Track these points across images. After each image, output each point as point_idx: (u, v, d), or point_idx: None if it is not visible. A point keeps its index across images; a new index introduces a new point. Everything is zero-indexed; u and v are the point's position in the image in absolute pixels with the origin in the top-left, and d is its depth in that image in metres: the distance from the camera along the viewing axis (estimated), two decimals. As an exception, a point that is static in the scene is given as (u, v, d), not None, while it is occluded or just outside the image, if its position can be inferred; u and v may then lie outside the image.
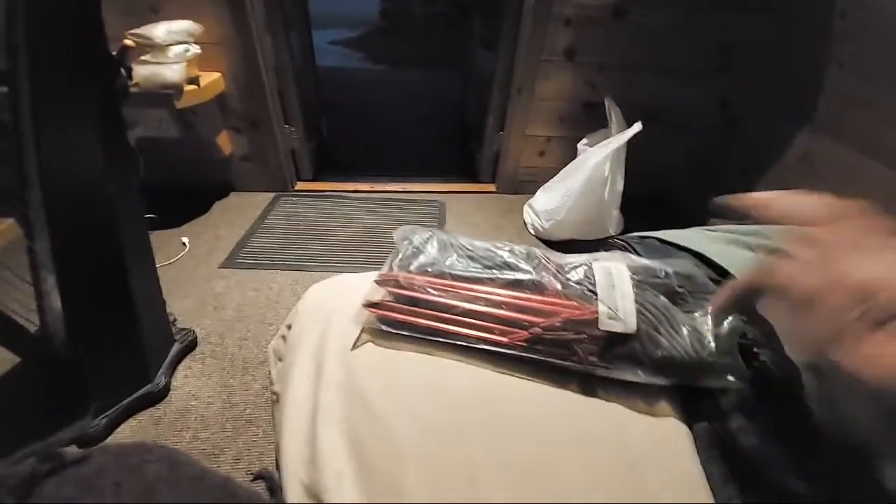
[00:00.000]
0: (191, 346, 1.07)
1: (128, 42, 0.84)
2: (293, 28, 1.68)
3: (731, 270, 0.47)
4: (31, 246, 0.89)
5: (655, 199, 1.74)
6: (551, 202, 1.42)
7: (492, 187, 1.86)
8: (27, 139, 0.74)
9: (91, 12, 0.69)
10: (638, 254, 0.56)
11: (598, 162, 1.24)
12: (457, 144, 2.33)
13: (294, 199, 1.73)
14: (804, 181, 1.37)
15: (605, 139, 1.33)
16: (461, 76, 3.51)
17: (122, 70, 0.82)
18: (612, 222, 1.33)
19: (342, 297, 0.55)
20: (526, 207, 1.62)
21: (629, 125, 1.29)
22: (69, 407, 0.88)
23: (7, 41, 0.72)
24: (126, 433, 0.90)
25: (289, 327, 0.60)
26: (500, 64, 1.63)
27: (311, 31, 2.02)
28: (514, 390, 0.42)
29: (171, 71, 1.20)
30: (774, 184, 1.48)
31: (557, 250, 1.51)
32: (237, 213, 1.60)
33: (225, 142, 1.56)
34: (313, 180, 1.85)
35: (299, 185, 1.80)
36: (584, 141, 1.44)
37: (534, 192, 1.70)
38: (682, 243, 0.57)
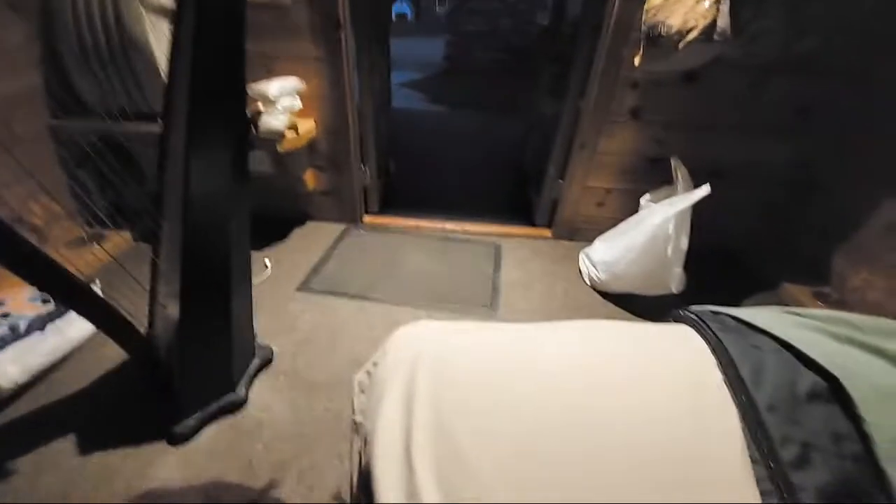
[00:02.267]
0: (267, 361, 1.19)
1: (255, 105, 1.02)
2: (376, 73, 1.88)
3: (831, 368, 0.45)
4: (156, 258, 1.06)
5: (721, 256, 1.69)
6: (610, 254, 1.43)
7: (548, 232, 1.90)
8: (174, 169, 0.91)
9: (238, 76, 0.84)
10: (711, 331, 0.58)
11: (662, 220, 1.25)
12: (514, 187, 2.41)
13: (362, 231, 1.87)
14: (891, 251, 1.29)
15: (670, 196, 1.34)
16: (519, 120, 3.65)
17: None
18: (674, 280, 1.31)
19: (428, 342, 0.62)
20: (582, 256, 1.64)
21: (696, 183, 1.29)
22: (162, 405, 1.00)
23: (168, 92, 0.91)
24: (208, 436, 1.01)
25: (374, 364, 0.67)
26: (564, 120, 1.71)
27: (391, 78, 2.23)
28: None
29: (277, 121, 1.39)
30: (857, 251, 1.39)
31: (613, 303, 1.51)
32: (312, 240, 1.77)
33: (310, 178, 1.75)
34: (379, 214, 2.00)
35: (367, 219, 1.95)
36: (648, 196, 1.46)
37: (590, 240, 1.72)
38: (763, 327, 0.56)
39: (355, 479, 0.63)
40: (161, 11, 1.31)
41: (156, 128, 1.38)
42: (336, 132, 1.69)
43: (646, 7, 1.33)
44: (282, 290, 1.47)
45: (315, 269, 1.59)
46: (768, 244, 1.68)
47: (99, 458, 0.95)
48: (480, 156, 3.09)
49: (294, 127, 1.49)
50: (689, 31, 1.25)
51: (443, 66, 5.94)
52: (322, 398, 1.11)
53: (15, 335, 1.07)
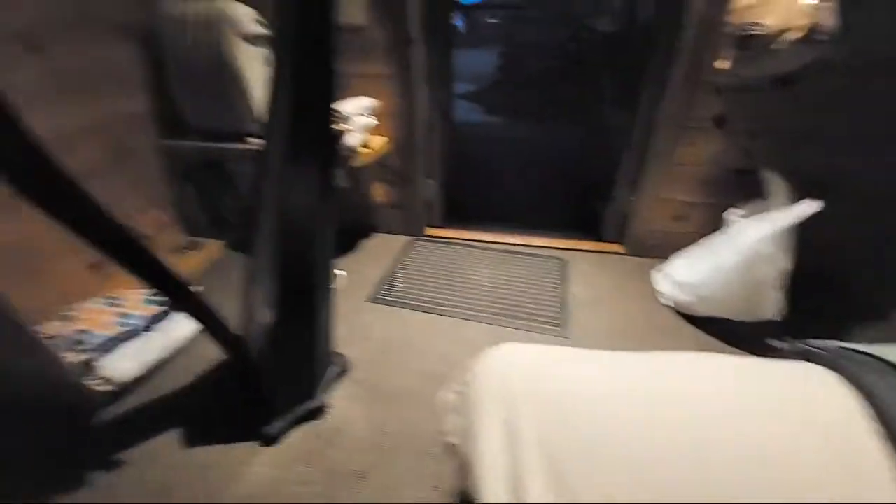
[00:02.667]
0: (344, 370, 1.23)
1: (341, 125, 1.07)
2: (440, 88, 1.92)
3: None
4: (251, 266, 1.13)
5: (825, 279, 1.52)
6: (695, 274, 1.34)
7: (617, 248, 1.82)
8: (270, 185, 0.98)
9: (330, 99, 0.89)
10: (851, 371, 0.52)
11: (759, 238, 1.15)
12: (578, 200, 2.35)
13: (426, 243, 1.90)
14: None
15: (764, 211, 1.24)
16: (579, 130, 3.56)
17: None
18: (772, 305, 1.20)
19: (522, 368, 0.61)
20: (659, 275, 1.55)
21: (793, 196, 1.18)
22: (253, 406, 1.07)
23: (269, 116, 0.98)
24: (294, 439, 1.06)
25: (465, 384, 0.67)
26: (636, 128, 1.64)
27: (453, 93, 2.27)
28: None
29: (353, 138, 1.46)
30: None
31: (698, 327, 1.40)
32: (380, 252, 1.82)
33: (378, 192, 1.81)
34: (442, 227, 2.02)
35: (431, 231, 1.98)
36: (736, 212, 1.35)
37: (664, 257, 1.62)
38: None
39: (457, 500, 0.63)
40: (252, 39, 1.43)
41: (244, 146, 1.51)
42: (404, 147, 1.74)
43: (735, 6, 1.25)
44: (353, 300, 1.53)
45: (383, 281, 1.64)
46: (882, 266, 1.49)
47: (198, 454, 1.02)
48: (540, 167, 3.04)
49: (368, 144, 1.56)
50: (786, 32, 1.16)
51: (497, 77, 5.94)
52: (397, 411, 1.13)
53: (130, 333, 1.20)
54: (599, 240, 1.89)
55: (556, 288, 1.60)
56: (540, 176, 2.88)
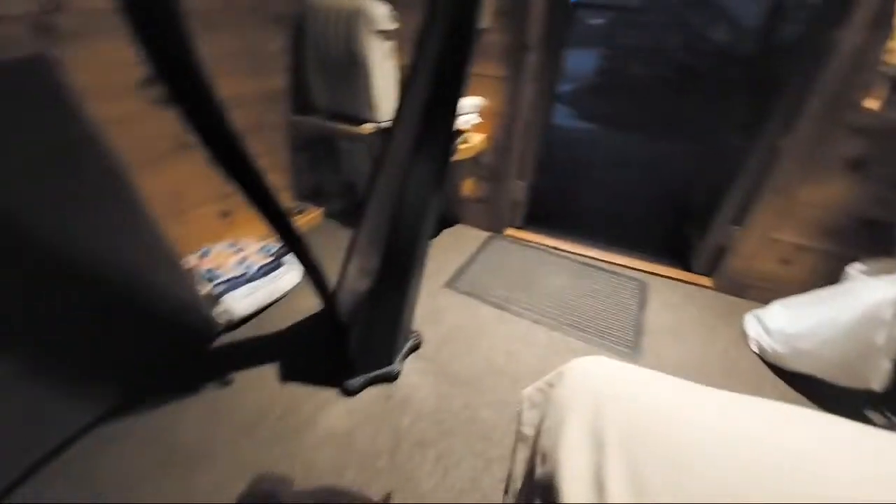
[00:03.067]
0: (417, 346, 1.34)
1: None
2: (545, 92, 1.93)
3: None
4: (356, 235, 1.25)
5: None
6: (795, 325, 1.24)
7: (707, 281, 1.73)
8: (391, 168, 1.09)
9: (459, 96, 0.96)
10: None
11: (881, 300, 1.04)
12: (668, 222, 2.24)
13: (505, 242, 1.95)
14: None
15: (892, 272, 1.11)
16: (682, 147, 3.33)
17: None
18: (878, 374, 1.08)
19: (613, 383, 0.64)
20: (752, 318, 1.45)
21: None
22: (338, 360, 1.21)
23: (400, 106, 1.08)
24: (367, 396, 1.18)
25: (549, 385, 0.72)
26: (754, 156, 1.53)
27: (554, 95, 2.26)
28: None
29: (461, 134, 1.54)
30: None
31: (786, 381, 1.31)
32: (461, 242, 1.91)
33: (468, 186, 1.89)
34: (523, 228, 2.05)
35: (510, 231, 2.02)
36: (860, 266, 1.23)
37: (762, 301, 1.51)
38: None
39: (518, 484, 0.69)
40: (383, 34, 1.56)
41: (356, 129, 1.66)
42: (500, 147, 1.79)
43: (890, 46, 1.13)
44: (430, 284, 1.63)
45: (460, 270, 1.72)
46: None
47: (289, 389, 1.19)
48: (632, 181, 2.92)
49: (468, 140, 1.63)
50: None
51: (595, 81, 5.70)
52: (460, 393, 1.20)
53: (247, 277, 1.40)
54: (688, 269, 1.80)
55: (632, 310, 1.56)
56: (630, 190, 2.77)
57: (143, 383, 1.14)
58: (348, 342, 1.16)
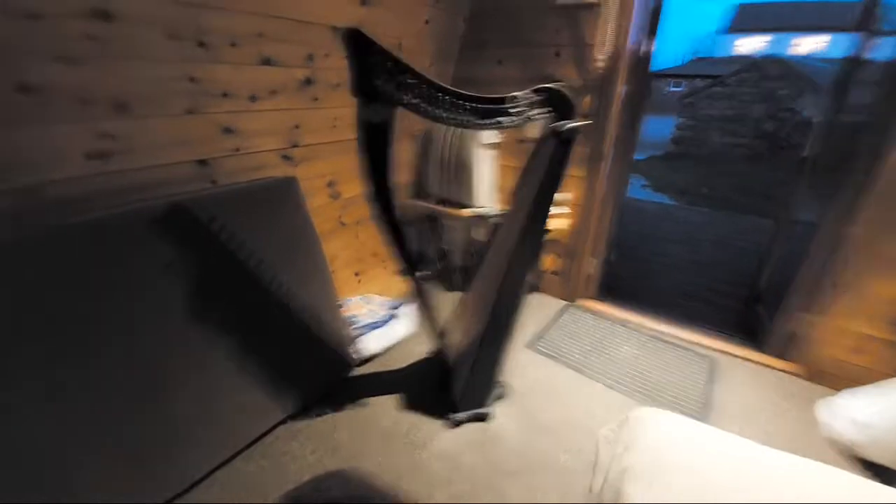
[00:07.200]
0: (503, 394, 1.63)
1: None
2: (619, 183, 2.26)
3: None
4: (465, 297, 1.63)
5: None
6: (869, 413, 1.33)
7: (778, 363, 1.82)
8: (500, 247, 1.48)
9: (556, 191, 1.35)
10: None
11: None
12: (740, 300, 2.33)
13: (579, 311, 2.21)
14: None
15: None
16: (754, 221, 3.35)
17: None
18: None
19: (680, 440, 0.88)
20: (825, 404, 1.53)
21: None
22: (444, 396, 1.53)
23: (517, 197, 1.48)
24: (467, 430, 1.48)
25: (619, 426, 0.98)
26: (821, 242, 1.65)
27: (627, 179, 2.58)
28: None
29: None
30: None
31: (861, 472, 1.41)
32: (538, 310, 2.21)
33: (548, 261, 2.23)
34: (595, 300, 2.30)
35: (585, 302, 2.28)
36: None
37: (834, 387, 1.58)
38: None
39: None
40: (487, 146, 2.05)
41: (457, 212, 2.11)
42: (579, 231, 2.13)
43: None
44: (514, 343, 1.93)
45: (540, 334, 2.01)
46: None
47: (409, 415, 1.53)
48: (703, 255, 3.03)
49: (555, 227, 2.00)
50: None
51: (670, 149, 5.85)
52: (542, 437, 1.45)
53: (375, 323, 1.83)
54: (758, 349, 1.90)
55: (700, 385, 1.71)
56: (701, 265, 2.88)
57: (310, 397, 1.56)
58: (453, 384, 1.49)
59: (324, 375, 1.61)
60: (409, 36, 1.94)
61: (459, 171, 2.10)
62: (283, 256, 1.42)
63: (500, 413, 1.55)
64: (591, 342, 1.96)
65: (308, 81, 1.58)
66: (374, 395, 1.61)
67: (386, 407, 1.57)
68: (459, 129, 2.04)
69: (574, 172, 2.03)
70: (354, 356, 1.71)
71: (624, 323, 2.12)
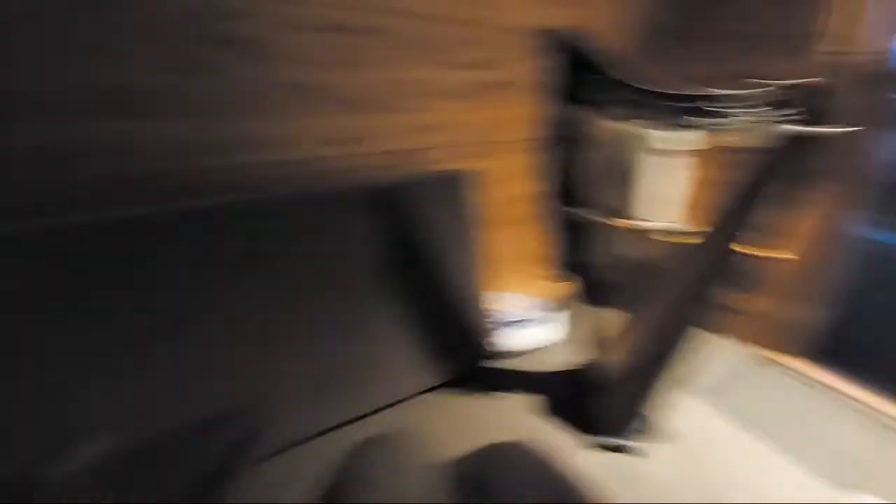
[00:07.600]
0: (644, 429, 1.44)
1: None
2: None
3: None
4: (632, 320, 1.51)
5: None
6: None
7: None
8: (688, 265, 1.31)
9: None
10: None
11: None
12: None
13: (774, 365, 1.80)
14: None
15: None
16: None
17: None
18: None
19: None
20: None
21: None
22: (581, 414, 1.45)
23: (716, 220, 1.30)
24: (598, 454, 1.38)
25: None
26: None
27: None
28: None
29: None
30: None
31: None
32: (715, 352, 1.86)
33: (740, 298, 1.86)
34: (795, 355, 1.83)
35: (782, 356, 1.84)
36: None
37: None
38: None
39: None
40: (655, 152, 1.82)
41: (626, 223, 1.94)
42: (792, 268, 1.72)
43: None
44: (676, 381, 1.69)
45: (715, 381, 1.71)
46: None
47: (539, 422, 1.51)
48: None
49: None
50: None
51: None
52: (688, 489, 1.25)
53: (521, 322, 1.85)
54: None
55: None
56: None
57: (448, 374, 1.69)
58: (593, 404, 1.40)
59: (462, 357, 1.70)
60: (605, 31, 1.88)
61: (615, 179, 1.94)
62: (446, 244, 1.57)
63: (638, 446, 1.39)
64: (787, 407, 1.57)
65: (499, 84, 1.69)
66: (506, 391, 1.64)
67: (518, 405, 1.58)
68: (626, 135, 1.87)
69: (794, 193, 1.64)
70: (492, 349, 1.77)
71: (833, 393, 1.63)
